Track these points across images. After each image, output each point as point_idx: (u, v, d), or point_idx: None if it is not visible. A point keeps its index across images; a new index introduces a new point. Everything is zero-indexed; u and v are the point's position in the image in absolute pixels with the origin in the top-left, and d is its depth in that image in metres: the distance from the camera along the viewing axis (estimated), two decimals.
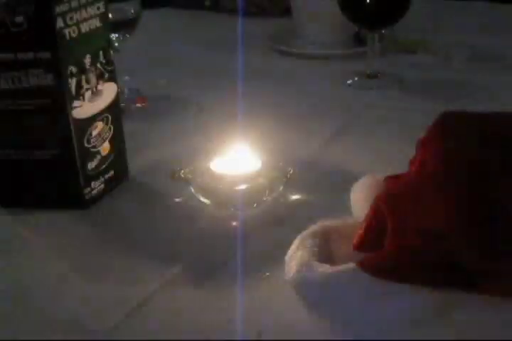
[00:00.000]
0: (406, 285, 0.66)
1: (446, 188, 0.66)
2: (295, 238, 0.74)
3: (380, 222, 0.70)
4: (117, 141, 0.92)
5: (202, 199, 0.86)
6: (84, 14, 0.83)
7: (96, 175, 0.89)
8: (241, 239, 0.80)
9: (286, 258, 0.72)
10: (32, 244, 0.82)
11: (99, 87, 0.87)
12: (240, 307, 0.69)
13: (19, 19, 0.79)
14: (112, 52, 0.90)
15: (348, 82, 1.29)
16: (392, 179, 0.75)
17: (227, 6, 1.72)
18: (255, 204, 0.85)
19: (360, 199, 0.78)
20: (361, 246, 0.72)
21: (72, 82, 0.83)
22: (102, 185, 0.90)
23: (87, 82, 0.85)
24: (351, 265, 0.67)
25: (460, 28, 1.52)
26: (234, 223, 0.83)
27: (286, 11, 1.57)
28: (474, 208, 0.65)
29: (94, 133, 0.87)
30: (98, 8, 0.86)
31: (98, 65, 0.87)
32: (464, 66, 1.34)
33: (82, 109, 0.85)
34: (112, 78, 0.90)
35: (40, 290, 0.74)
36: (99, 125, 0.88)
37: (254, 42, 1.46)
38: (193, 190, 0.86)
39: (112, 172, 0.91)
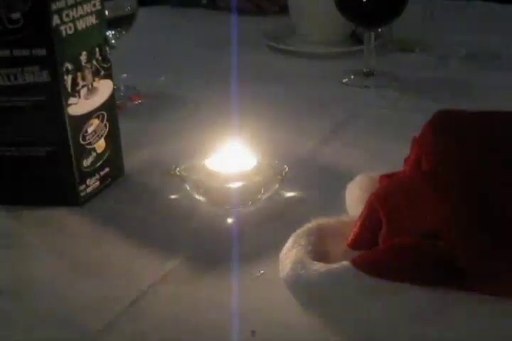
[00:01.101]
0: (401, 284, 0.66)
1: (444, 188, 0.66)
2: (290, 236, 0.74)
3: (375, 221, 0.70)
4: (113, 138, 0.92)
5: (197, 196, 0.86)
6: (80, 11, 0.83)
7: (91, 172, 0.88)
8: (236, 237, 0.80)
9: (281, 256, 0.72)
10: (27, 240, 0.82)
11: (95, 84, 0.87)
12: (233, 306, 0.69)
13: (15, 16, 0.79)
14: (108, 49, 0.90)
15: (345, 80, 1.29)
16: (387, 178, 0.75)
17: (223, 4, 1.72)
18: (250, 202, 0.85)
19: (355, 198, 0.78)
20: (356, 244, 0.72)
21: (68, 79, 0.82)
22: (98, 182, 0.90)
23: (83, 79, 0.85)
24: (346, 263, 0.67)
25: (458, 27, 1.52)
26: (229, 221, 0.84)
27: (285, 9, 1.57)
28: (473, 208, 0.65)
29: (90, 130, 0.87)
30: (94, 5, 0.86)
31: (94, 62, 0.87)
32: (461, 65, 1.34)
33: (78, 106, 0.84)
34: (108, 75, 0.90)
35: (37, 286, 0.74)
36: (95, 122, 0.88)
37: (251, 41, 1.46)
38: (188, 188, 0.86)
39: (107, 170, 0.91)
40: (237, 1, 1.68)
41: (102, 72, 0.88)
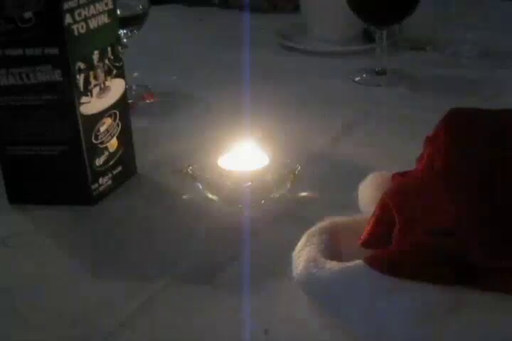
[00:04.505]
0: (414, 282, 0.65)
1: (457, 187, 0.66)
2: (303, 234, 0.74)
3: (388, 219, 0.70)
4: (125, 137, 0.92)
5: (209, 195, 0.86)
6: (92, 10, 0.83)
7: (104, 171, 0.89)
8: (248, 236, 0.80)
9: (294, 254, 0.72)
10: (39, 239, 0.82)
11: (107, 83, 0.87)
12: (246, 305, 0.69)
13: (28, 15, 0.79)
14: (120, 48, 0.90)
15: (357, 78, 1.28)
16: (400, 176, 0.75)
17: (235, 3, 1.72)
18: (263, 201, 0.85)
19: (367, 196, 0.78)
20: (369, 242, 0.72)
21: (80, 78, 0.83)
22: (110, 181, 0.90)
23: (95, 78, 0.85)
24: (359, 262, 0.67)
25: (469, 24, 1.51)
26: (241, 219, 0.83)
27: (298, 7, 1.56)
28: (485, 207, 0.65)
29: (102, 129, 0.87)
30: (106, 4, 0.86)
31: (106, 61, 0.87)
32: (472, 63, 1.33)
33: (90, 105, 0.85)
34: (120, 74, 0.90)
35: (48, 285, 0.74)
36: (107, 121, 0.88)
37: (264, 39, 1.46)
38: (200, 187, 0.86)
39: (119, 169, 0.91)
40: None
41: (114, 71, 0.89)
